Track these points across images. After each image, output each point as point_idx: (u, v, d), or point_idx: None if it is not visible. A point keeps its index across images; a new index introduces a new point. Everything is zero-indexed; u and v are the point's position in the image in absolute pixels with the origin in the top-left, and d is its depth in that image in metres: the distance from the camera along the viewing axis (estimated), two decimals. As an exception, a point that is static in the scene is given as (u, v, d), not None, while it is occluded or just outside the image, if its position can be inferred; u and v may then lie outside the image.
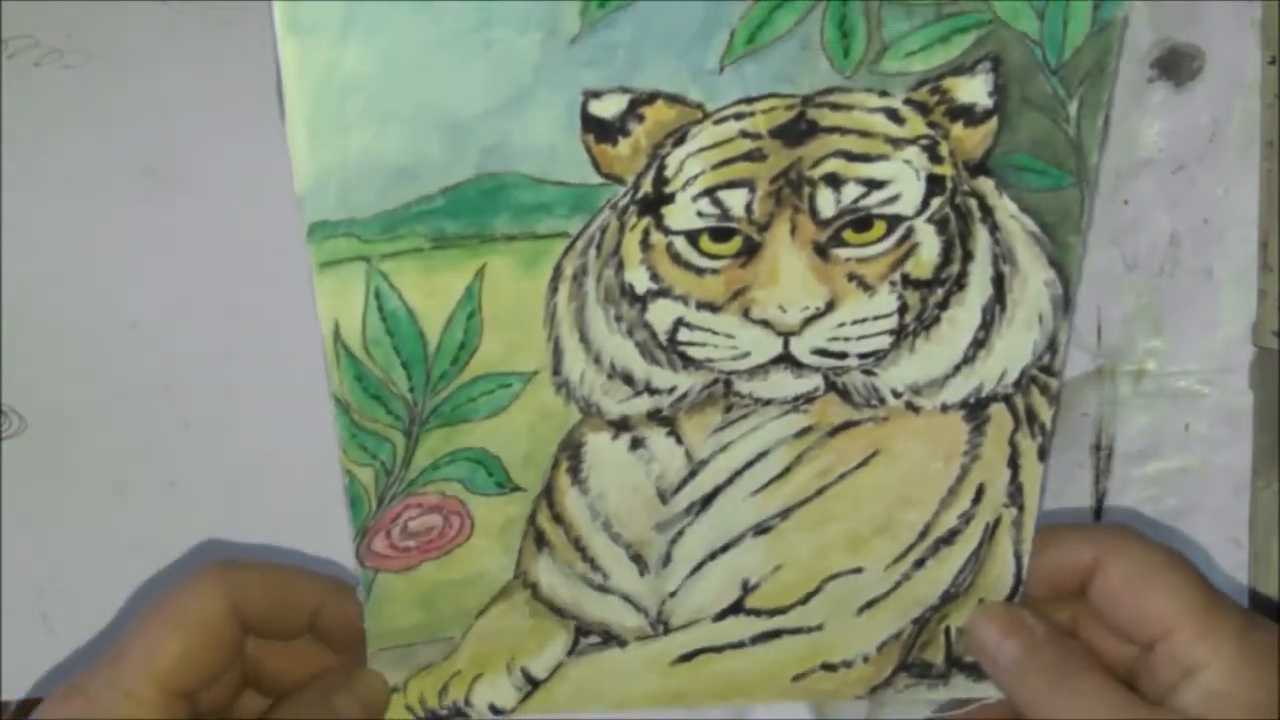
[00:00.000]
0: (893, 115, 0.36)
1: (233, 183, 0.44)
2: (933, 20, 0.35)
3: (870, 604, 0.42)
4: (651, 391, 0.39)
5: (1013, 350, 0.39)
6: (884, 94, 0.36)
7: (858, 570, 0.42)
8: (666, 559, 0.41)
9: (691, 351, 0.38)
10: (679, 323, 0.38)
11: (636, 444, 0.40)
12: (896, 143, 0.36)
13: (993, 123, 0.36)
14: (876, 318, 0.38)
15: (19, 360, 0.45)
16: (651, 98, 0.35)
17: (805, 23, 0.34)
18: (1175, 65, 0.46)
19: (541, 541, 0.41)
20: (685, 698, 0.43)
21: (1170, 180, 0.47)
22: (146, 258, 0.45)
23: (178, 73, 0.44)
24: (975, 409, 0.40)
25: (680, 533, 0.41)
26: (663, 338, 0.38)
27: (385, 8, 0.33)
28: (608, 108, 0.35)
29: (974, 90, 0.36)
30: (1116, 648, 0.40)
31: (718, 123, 0.35)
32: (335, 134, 0.34)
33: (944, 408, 0.40)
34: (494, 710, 0.42)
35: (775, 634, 0.42)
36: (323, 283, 0.36)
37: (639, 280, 0.37)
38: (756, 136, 0.36)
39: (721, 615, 0.42)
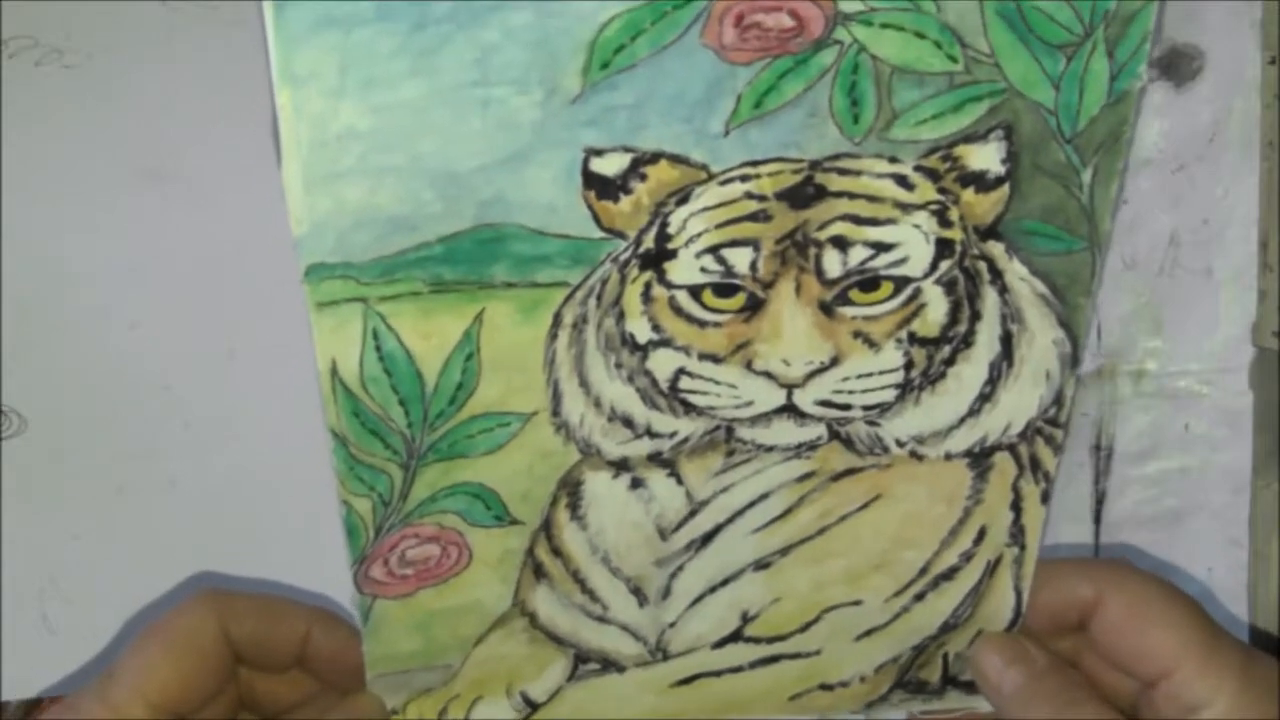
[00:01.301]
0: (902, 181, 0.35)
1: (233, 183, 0.44)
2: (945, 90, 0.34)
3: (869, 632, 0.42)
4: (652, 435, 0.38)
5: (1019, 404, 0.39)
6: (894, 160, 0.35)
7: (857, 603, 0.41)
8: (666, 592, 0.41)
9: (693, 399, 0.37)
10: (680, 372, 0.37)
11: (636, 484, 0.39)
12: (906, 207, 0.35)
13: (1004, 189, 0.35)
14: (882, 372, 0.37)
15: (19, 360, 0.45)
16: (655, 157, 0.34)
17: (813, 90, 0.33)
18: (1175, 65, 0.46)
19: (540, 573, 0.40)
20: (683, 714, 0.43)
21: (1170, 180, 0.47)
22: (146, 258, 0.45)
23: (178, 73, 0.44)
24: (979, 457, 0.39)
25: (680, 568, 0.40)
26: (664, 385, 0.37)
27: (381, 60, 0.32)
28: (609, 165, 0.34)
29: (986, 157, 0.35)
30: (1118, 682, 0.40)
31: (723, 184, 0.34)
32: (331, 182, 0.33)
33: (948, 456, 0.39)
34: None
35: (774, 659, 0.42)
36: (320, 321, 0.35)
37: (640, 330, 0.36)
38: (762, 198, 0.35)
39: (721, 643, 0.42)
